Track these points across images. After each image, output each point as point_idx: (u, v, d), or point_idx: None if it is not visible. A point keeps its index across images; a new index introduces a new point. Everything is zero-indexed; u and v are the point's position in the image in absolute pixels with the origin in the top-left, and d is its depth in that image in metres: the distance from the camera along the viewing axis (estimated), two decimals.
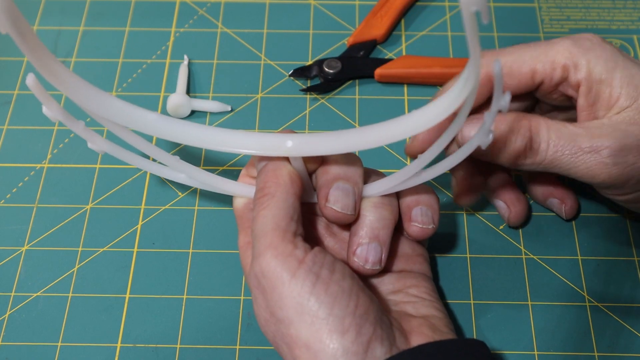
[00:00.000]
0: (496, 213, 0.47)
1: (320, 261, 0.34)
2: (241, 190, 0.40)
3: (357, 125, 0.51)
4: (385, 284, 0.40)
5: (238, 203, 0.40)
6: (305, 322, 0.33)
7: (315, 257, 0.34)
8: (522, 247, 0.45)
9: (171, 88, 0.52)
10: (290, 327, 0.33)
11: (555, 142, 0.38)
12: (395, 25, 0.56)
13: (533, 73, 0.39)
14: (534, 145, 0.38)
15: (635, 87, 0.38)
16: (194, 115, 0.51)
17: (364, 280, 0.39)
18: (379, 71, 0.52)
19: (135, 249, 0.46)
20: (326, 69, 0.52)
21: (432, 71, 0.52)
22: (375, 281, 0.40)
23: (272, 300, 0.34)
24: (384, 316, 0.34)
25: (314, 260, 0.34)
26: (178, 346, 0.43)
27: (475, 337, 0.42)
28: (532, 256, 0.45)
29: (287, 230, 0.34)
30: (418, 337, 0.35)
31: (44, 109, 0.36)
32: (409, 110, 0.40)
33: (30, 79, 0.34)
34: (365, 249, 0.37)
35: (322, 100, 0.52)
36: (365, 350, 0.32)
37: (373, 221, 0.37)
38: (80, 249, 0.46)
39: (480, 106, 0.41)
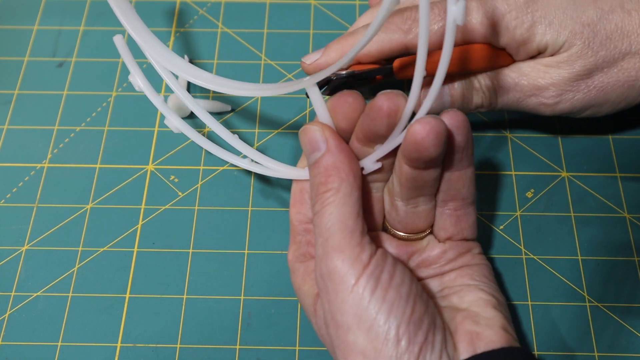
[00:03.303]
0: (496, 212, 0.47)
1: (381, 265, 0.34)
2: (298, 174, 0.40)
3: None
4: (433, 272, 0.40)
5: (294, 218, 0.40)
6: (363, 328, 0.33)
7: (377, 261, 0.34)
8: (522, 247, 0.45)
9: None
10: (348, 333, 0.33)
11: (504, 98, 0.43)
12: None
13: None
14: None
15: (557, 31, 0.41)
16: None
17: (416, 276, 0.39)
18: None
19: (136, 249, 0.46)
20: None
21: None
22: (426, 272, 0.40)
23: (334, 304, 0.34)
24: (437, 319, 0.35)
25: (377, 264, 0.34)
26: (178, 346, 0.43)
27: None
28: (532, 256, 0.45)
29: (354, 230, 0.34)
30: (461, 337, 0.35)
31: (130, 77, 0.44)
32: None
33: (119, 41, 0.44)
34: None
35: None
36: (416, 357, 0.32)
37: None
38: (80, 248, 0.46)
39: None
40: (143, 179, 0.49)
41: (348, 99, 0.37)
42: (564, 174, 0.48)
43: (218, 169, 0.49)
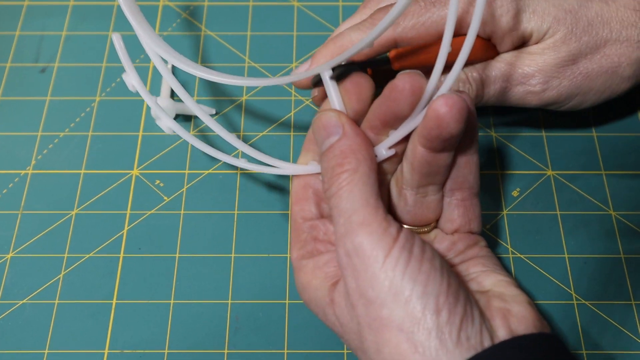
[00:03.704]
0: (483, 212, 0.47)
1: (411, 239, 0.33)
2: (304, 169, 0.40)
3: None
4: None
5: (298, 216, 0.39)
6: (400, 302, 0.32)
7: (407, 235, 0.33)
8: (509, 246, 0.46)
9: (155, 92, 0.52)
10: (382, 308, 0.32)
11: (491, 89, 0.43)
12: None
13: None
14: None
15: (541, 18, 0.42)
16: (178, 118, 0.51)
17: None
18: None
19: (122, 254, 0.46)
20: None
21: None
22: None
23: (364, 280, 0.33)
24: (470, 296, 0.34)
25: (406, 237, 0.33)
26: (166, 351, 0.42)
27: None
28: (519, 255, 0.45)
29: (377, 207, 0.34)
30: (493, 315, 0.34)
31: (124, 75, 0.44)
32: None
33: (117, 39, 0.44)
34: None
35: (307, 102, 0.52)
36: (458, 330, 0.32)
37: None
38: (66, 255, 0.46)
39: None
40: (128, 184, 0.48)
41: (361, 80, 0.37)
42: (549, 172, 0.48)
43: (203, 173, 0.49)
